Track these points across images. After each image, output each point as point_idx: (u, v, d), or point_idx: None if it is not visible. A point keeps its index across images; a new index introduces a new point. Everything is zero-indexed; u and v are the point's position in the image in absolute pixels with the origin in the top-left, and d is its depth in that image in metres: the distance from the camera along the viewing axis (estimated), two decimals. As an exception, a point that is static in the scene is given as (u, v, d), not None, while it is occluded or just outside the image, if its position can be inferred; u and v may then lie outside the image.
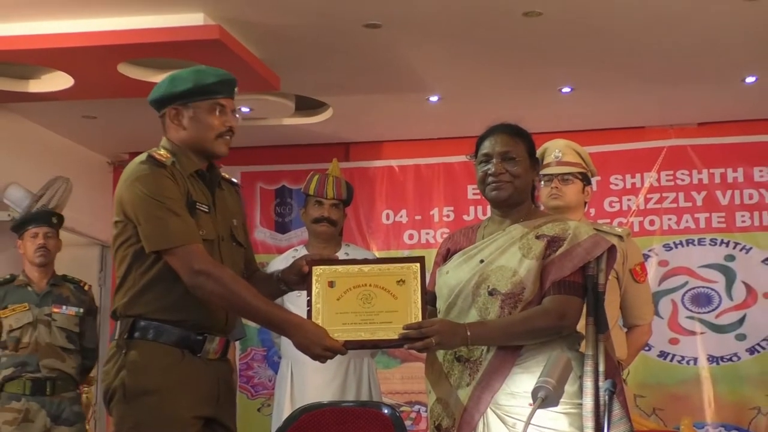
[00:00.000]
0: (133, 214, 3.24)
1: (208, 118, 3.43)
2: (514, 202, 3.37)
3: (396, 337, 3.17)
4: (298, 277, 3.42)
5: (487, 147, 3.38)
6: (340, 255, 5.34)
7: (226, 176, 3.66)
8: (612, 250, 3.28)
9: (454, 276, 3.33)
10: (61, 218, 5.78)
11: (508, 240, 3.31)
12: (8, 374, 5.30)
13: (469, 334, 3.13)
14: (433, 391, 3.34)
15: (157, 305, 3.22)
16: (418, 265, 3.28)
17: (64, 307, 5.45)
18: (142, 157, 3.39)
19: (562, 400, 3.05)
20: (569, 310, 3.21)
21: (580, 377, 3.19)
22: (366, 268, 3.35)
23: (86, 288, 5.64)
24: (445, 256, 3.45)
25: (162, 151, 3.41)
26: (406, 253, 7.60)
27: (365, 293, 3.29)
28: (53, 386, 5.33)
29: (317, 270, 3.38)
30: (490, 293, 3.23)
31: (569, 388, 3.13)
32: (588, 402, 3.15)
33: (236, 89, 3.55)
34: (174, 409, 3.15)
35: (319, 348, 3.16)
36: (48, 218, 5.61)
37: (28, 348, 5.34)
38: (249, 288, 3.24)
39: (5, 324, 5.36)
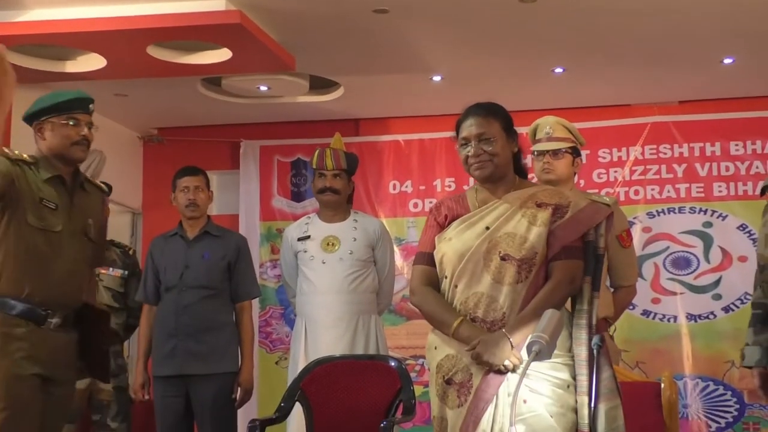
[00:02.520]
0: None
1: (64, 129, 3.85)
2: (498, 177, 3.38)
3: None
4: None
5: (464, 130, 3.39)
6: (349, 222, 5.35)
7: (99, 183, 4.19)
8: (610, 217, 3.32)
9: (460, 242, 3.31)
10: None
11: (508, 208, 3.31)
12: None
13: (508, 335, 3.14)
14: (442, 347, 3.32)
15: (7, 285, 3.64)
16: None
17: (110, 269, 5.47)
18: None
19: (561, 353, 3.10)
20: (576, 274, 3.26)
21: (571, 332, 3.23)
22: None
23: (131, 252, 5.66)
24: (443, 222, 3.44)
25: (26, 155, 3.82)
26: (411, 220, 7.62)
27: None
28: None
29: None
30: (503, 258, 3.23)
31: (566, 342, 3.18)
32: (582, 351, 3.19)
33: (92, 105, 3.98)
34: (14, 367, 3.58)
35: None
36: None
37: None
38: None
39: None
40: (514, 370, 3.15)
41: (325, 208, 5.37)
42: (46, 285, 3.70)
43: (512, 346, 3.13)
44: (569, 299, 3.31)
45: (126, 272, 5.50)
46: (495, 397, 3.15)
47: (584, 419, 3.14)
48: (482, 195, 3.42)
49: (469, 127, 3.37)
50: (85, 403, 5.33)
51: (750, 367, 3.58)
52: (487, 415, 3.15)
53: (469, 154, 3.34)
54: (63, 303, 3.75)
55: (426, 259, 3.43)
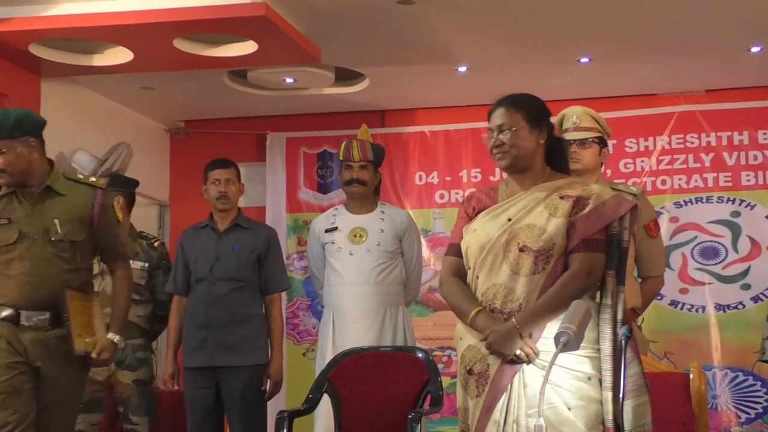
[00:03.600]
0: None
1: None
2: (519, 168, 3.38)
3: None
4: None
5: (490, 121, 3.40)
6: (376, 213, 5.34)
7: (86, 179, 4.37)
8: (634, 209, 3.29)
9: (483, 233, 3.31)
10: (113, 178, 5.69)
11: (532, 200, 3.31)
12: None
13: (518, 327, 3.14)
14: (466, 337, 3.32)
15: None
16: None
17: (131, 261, 5.44)
18: None
19: (584, 345, 3.08)
20: (594, 267, 3.22)
21: (598, 324, 3.21)
22: None
23: (156, 244, 5.60)
24: (472, 214, 3.43)
25: None
26: (437, 211, 7.60)
27: None
28: None
29: None
30: (521, 249, 3.22)
31: (590, 334, 3.16)
32: (606, 347, 3.17)
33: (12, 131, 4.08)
34: None
35: None
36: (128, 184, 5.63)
37: (98, 296, 5.38)
38: None
39: None
40: (529, 361, 3.14)
41: (353, 199, 5.37)
42: (8, 290, 4.03)
43: (521, 336, 3.13)
44: (598, 292, 3.28)
45: (147, 264, 5.47)
46: (509, 387, 3.15)
47: (609, 414, 3.14)
48: (511, 187, 3.41)
49: (493, 119, 3.39)
50: (106, 393, 5.33)
51: None
52: (500, 404, 3.16)
53: (491, 144, 3.38)
54: (31, 303, 4.04)
55: (454, 250, 3.44)
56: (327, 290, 5.35)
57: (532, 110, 3.40)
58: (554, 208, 3.26)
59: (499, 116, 3.37)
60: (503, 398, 3.15)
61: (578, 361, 3.14)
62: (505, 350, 3.14)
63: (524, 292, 3.22)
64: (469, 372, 3.27)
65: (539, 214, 3.26)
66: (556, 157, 3.45)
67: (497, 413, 3.15)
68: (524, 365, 3.15)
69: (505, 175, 3.49)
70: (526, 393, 3.13)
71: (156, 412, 5.41)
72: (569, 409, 3.11)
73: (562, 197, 3.28)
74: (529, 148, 3.36)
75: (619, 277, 3.25)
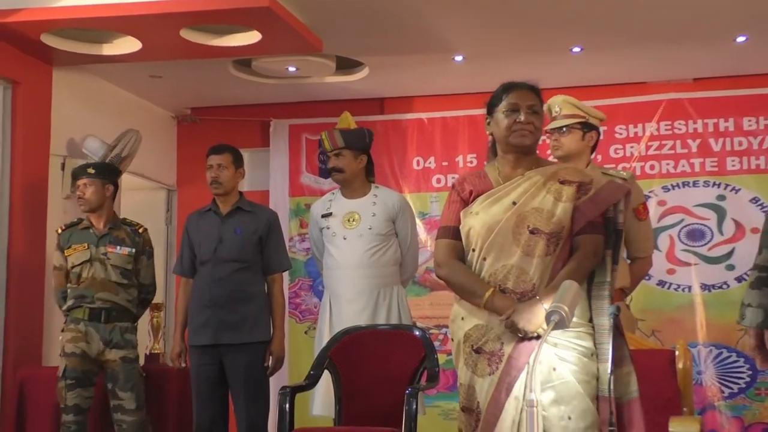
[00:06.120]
0: None
1: None
2: (530, 150, 3.38)
3: None
4: None
5: (515, 98, 3.35)
6: (368, 197, 5.31)
7: None
8: (628, 194, 3.34)
9: (488, 215, 3.29)
10: (100, 167, 5.70)
11: (533, 184, 3.31)
12: (71, 303, 5.40)
13: (543, 303, 3.14)
14: (470, 317, 3.30)
15: None
16: None
17: (118, 247, 5.46)
18: None
19: (582, 322, 3.14)
20: (599, 247, 3.27)
21: (590, 302, 3.25)
22: None
23: (140, 231, 5.61)
24: (468, 198, 3.40)
25: None
26: (434, 195, 7.59)
27: None
28: (108, 315, 5.36)
29: None
30: (532, 232, 3.23)
31: (586, 313, 3.22)
32: (604, 321, 3.22)
33: None
34: None
35: None
36: (84, 171, 5.59)
37: (86, 282, 5.40)
38: None
39: (69, 261, 5.43)
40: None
41: (341, 186, 5.36)
42: None
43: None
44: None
45: (134, 250, 5.49)
46: (527, 364, 3.15)
47: (604, 385, 3.17)
48: (505, 170, 3.39)
49: (522, 97, 3.35)
50: (98, 370, 5.38)
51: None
52: (520, 382, 3.16)
53: (519, 119, 3.31)
54: None
55: (451, 232, 3.40)
56: (325, 273, 5.35)
57: (542, 102, 3.42)
58: (558, 192, 3.28)
59: (530, 98, 3.35)
60: (522, 376, 3.16)
61: (582, 337, 3.19)
62: (530, 327, 3.13)
63: (537, 273, 3.22)
64: (477, 351, 3.25)
65: (544, 198, 3.27)
66: None
67: (517, 390, 3.15)
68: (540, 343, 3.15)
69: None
70: (534, 369, 3.15)
71: (141, 388, 5.41)
72: (578, 383, 3.14)
73: (562, 182, 3.30)
74: (540, 135, 3.40)
75: (614, 257, 3.30)
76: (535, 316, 3.12)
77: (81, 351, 5.31)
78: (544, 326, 3.09)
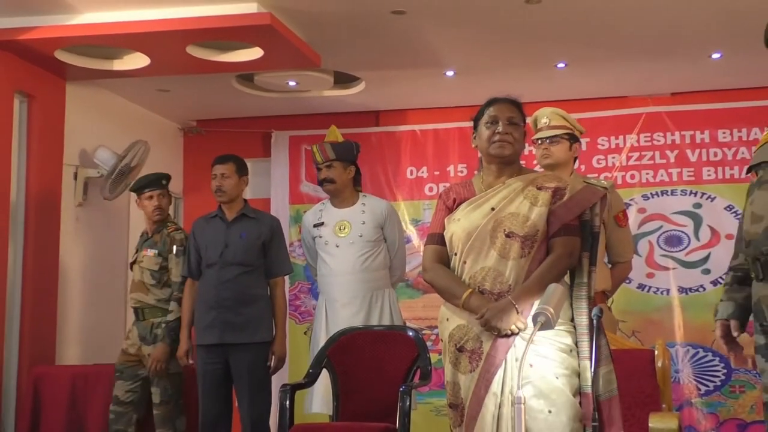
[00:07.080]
0: None
1: None
2: (511, 160, 3.42)
3: None
4: None
5: (495, 111, 3.42)
6: (357, 206, 5.36)
7: None
8: (603, 198, 3.36)
9: (468, 221, 3.34)
10: (169, 178, 5.81)
11: (511, 191, 3.35)
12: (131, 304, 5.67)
13: (514, 303, 3.17)
14: (453, 317, 3.35)
15: None
16: None
17: (149, 250, 5.56)
18: None
19: (562, 321, 3.16)
20: (574, 249, 3.29)
21: (572, 303, 3.28)
22: None
23: (170, 231, 5.62)
24: (452, 206, 3.46)
25: None
26: (426, 203, 7.63)
27: None
28: (142, 313, 5.52)
29: None
30: (508, 235, 3.26)
31: (567, 312, 3.23)
32: (583, 320, 3.25)
33: None
34: None
35: None
36: (159, 182, 5.67)
37: (132, 284, 5.64)
38: None
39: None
40: (518, 332, 3.18)
41: (331, 196, 5.41)
42: None
43: (518, 312, 3.17)
44: (568, 273, 3.34)
45: (157, 252, 5.56)
46: (504, 361, 3.19)
47: (587, 381, 3.19)
48: (488, 179, 3.44)
49: (501, 110, 3.41)
50: (137, 365, 5.52)
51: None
52: (497, 377, 3.19)
53: (498, 131, 3.37)
54: None
55: (436, 239, 3.46)
56: (320, 280, 5.41)
57: (524, 115, 3.48)
58: (534, 197, 3.31)
59: (509, 110, 3.41)
60: (499, 372, 3.19)
61: (561, 335, 3.20)
62: (502, 325, 3.15)
63: (513, 274, 3.24)
64: (460, 350, 3.29)
65: (521, 203, 3.31)
66: None
67: (495, 386, 3.18)
68: (516, 342, 3.18)
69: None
70: (518, 366, 3.17)
71: (167, 383, 5.45)
72: (557, 378, 3.16)
73: (539, 188, 3.33)
74: (522, 146, 3.45)
75: (591, 259, 3.32)
76: (507, 315, 3.16)
77: (126, 347, 5.54)
78: (518, 324, 3.16)
